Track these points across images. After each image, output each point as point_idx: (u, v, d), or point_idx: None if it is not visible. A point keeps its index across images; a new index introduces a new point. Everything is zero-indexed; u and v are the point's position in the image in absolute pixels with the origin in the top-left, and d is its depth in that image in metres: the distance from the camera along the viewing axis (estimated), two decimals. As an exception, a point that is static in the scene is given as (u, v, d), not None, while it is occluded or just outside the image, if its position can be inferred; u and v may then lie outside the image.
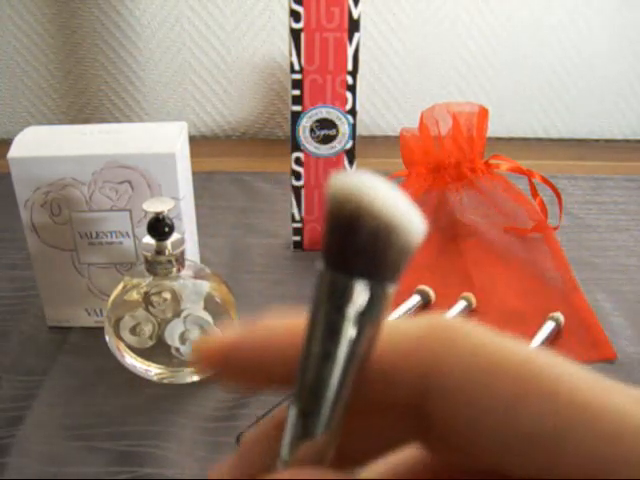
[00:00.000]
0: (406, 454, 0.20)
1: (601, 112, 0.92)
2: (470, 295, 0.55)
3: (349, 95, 0.57)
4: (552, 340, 0.52)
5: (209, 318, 0.47)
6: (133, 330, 0.47)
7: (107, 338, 0.48)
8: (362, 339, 0.16)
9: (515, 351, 0.17)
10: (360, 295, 0.15)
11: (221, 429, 0.45)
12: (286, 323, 0.18)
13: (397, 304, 0.55)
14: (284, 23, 0.85)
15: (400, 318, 0.19)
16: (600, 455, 0.15)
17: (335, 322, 0.15)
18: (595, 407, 0.16)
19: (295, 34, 0.55)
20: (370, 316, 0.15)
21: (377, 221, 0.14)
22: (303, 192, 0.62)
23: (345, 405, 0.17)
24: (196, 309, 0.47)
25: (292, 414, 0.17)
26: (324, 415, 0.16)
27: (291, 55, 0.56)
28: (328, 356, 0.16)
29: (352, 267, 0.15)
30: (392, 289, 0.16)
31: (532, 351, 0.17)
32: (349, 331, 0.15)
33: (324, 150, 0.60)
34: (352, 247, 0.15)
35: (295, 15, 0.54)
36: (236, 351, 0.18)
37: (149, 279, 0.46)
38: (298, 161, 0.60)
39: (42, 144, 0.49)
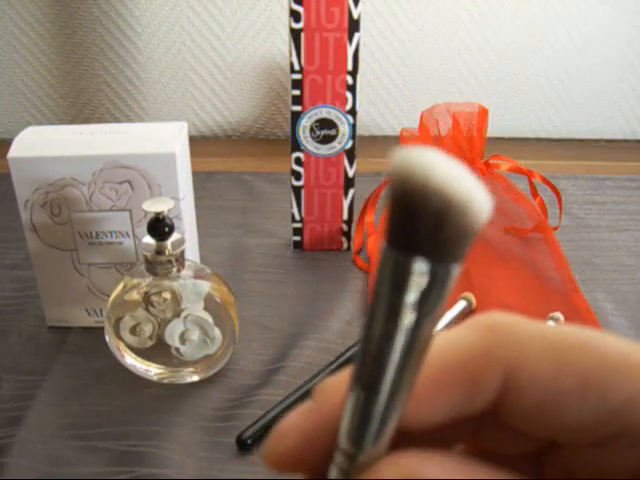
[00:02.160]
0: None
1: (601, 112, 0.92)
2: (470, 295, 0.55)
3: (349, 95, 0.57)
4: (552, 340, 0.52)
5: (209, 318, 0.47)
6: (133, 330, 0.47)
7: (107, 338, 0.48)
8: (424, 320, 0.15)
9: (566, 331, 0.18)
10: (422, 275, 0.15)
11: (221, 429, 0.45)
12: (339, 392, 0.17)
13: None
14: (284, 23, 0.85)
15: (447, 332, 0.19)
16: None
17: (396, 303, 0.15)
18: None
19: (295, 34, 0.55)
20: (432, 296, 0.15)
21: (441, 198, 0.14)
22: (303, 192, 0.62)
23: (409, 386, 0.16)
24: (196, 309, 0.47)
25: (352, 399, 0.16)
26: (386, 398, 0.16)
27: (291, 55, 0.56)
28: (389, 338, 0.15)
29: (414, 246, 0.14)
30: (456, 270, 0.15)
31: (572, 329, 0.18)
32: (410, 313, 0.15)
33: (324, 150, 0.60)
34: (415, 226, 0.14)
35: (295, 15, 0.54)
36: (311, 444, 0.17)
37: (149, 279, 0.46)
38: (298, 161, 0.60)
39: (42, 144, 0.49)
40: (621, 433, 0.17)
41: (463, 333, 0.18)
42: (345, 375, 0.17)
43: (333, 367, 0.49)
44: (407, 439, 0.17)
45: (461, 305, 0.54)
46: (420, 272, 0.15)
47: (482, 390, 0.17)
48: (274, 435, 0.18)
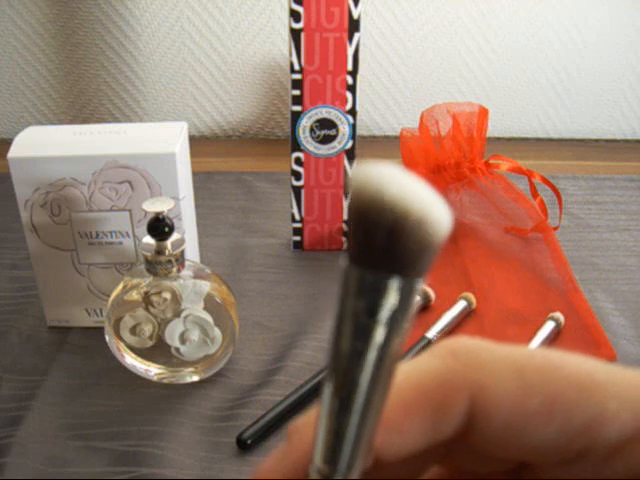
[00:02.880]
0: None
1: (601, 112, 0.92)
2: (470, 295, 0.55)
3: (349, 95, 0.57)
4: (552, 340, 0.52)
5: (209, 318, 0.47)
6: (133, 330, 0.47)
7: (107, 338, 0.48)
8: (390, 335, 0.15)
9: (532, 353, 0.18)
10: (389, 292, 0.15)
11: (221, 429, 0.45)
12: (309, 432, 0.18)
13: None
14: (284, 23, 0.85)
15: (413, 360, 0.19)
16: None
17: (360, 319, 0.15)
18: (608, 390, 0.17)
19: (295, 34, 0.55)
20: (396, 311, 0.15)
21: (395, 213, 0.14)
22: (303, 192, 0.62)
23: (381, 401, 0.16)
24: (196, 309, 0.47)
25: (323, 414, 0.17)
26: (358, 413, 0.16)
27: (291, 55, 0.56)
28: (359, 355, 0.15)
29: (381, 264, 0.15)
30: (419, 284, 0.15)
31: (539, 351, 0.18)
32: (375, 328, 0.15)
33: (324, 150, 0.60)
34: (380, 244, 0.14)
35: (295, 15, 0.54)
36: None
37: (149, 279, 0.46)
38: (298, 161, 0.60)
39: (42, 144, 0.49)
40: (587, 451, 0.17)
41: (428, 360, 0.18)
42: (315, 412, 0.18)
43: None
44: (381, 469, 0.18)
45: (461, 305, 0.54)
46: (380, 288, 0.15)
47: (450, 415, 0.17)
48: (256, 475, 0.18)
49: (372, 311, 0.15)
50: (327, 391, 0.16)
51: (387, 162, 0.15)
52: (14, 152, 0.48)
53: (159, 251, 0.45)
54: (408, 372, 0.18)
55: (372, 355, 0.15)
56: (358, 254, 0.15)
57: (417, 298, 0.15)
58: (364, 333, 0.15)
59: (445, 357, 0.18)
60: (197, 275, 0.48)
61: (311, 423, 0.18)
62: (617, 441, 0.17)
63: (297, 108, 0.58)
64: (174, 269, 0.46)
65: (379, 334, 0.15)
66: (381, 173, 0.14)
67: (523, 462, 0.19)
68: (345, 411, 0.16)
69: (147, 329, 0.47)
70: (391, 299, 0.15)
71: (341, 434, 0.16)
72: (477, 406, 0.17)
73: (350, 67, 0.56)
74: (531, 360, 0.18)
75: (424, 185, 0.14)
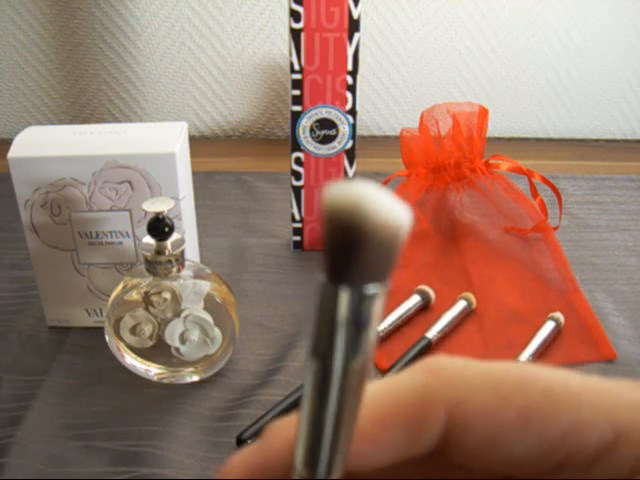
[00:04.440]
0: None
1: (601, 112, 0.92)
2: (470, 295, 0.55)
3: (349, 95, 0.57)
4: (552, 340, 0.52)
5: (209, 318, 0.47)
6: (133, 330, 0.47)
7: (107, 338, 0.48)
8: (358, 341, 0.16)
9: (508, 367, 0.18)
10: (351, 301, 0.15)
11: (221, 429, 0.45)
12: (287, 432, 0.18)
13: (397, 304, 0.55)
14: (284, 23, 0.85)
15: (392, 376, 0.19)
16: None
17: (331, 327, 0.16)
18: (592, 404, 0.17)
19: (295, 34, 0.55)
20: (361, 318, 0.16)
21: (367, 231, 0.14)
22: (303, 192, 0.62)
23: (355, 406, 0.17)
24: (196, 309, 0.47)
25: (302, 417, 0.17)
26: (333, 417, 0.17)
27: (291, 55, 0.56)
28: (329, 370, 0.16)
29: (343, 276, 0.15)
30: (384, 288, 0.16)
31: (515, 365, 0.19)
32: (346, 336, 0.16)
33: (324, 150, 0.60)
34: (343, 258, 0.15)
35: (295, 15, 0.54)
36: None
37: (149, 279, 0.46)
38: (298, 161, 0.60)
39: (42, 144, 0.49)
40: (567, 461, 0.17)
41: (407, 376, 0.18)
42: (294, 417, 0.18)
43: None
44: None
45: (461, 305, 0.54)
46: (345, 297, 0.15)
47: (426, 430, 0.18)
48: (223, 471, 0.19)
49: (335, 318, 0.15)
50: (304, 394, 0.17)
51: (353, 180, 0.15)
52: (14, 152, 0.48)
53: (159, 251, 0.45)
54: (386, 387, 0.18)
55: (339, 361, 0.16)
56: (328, 270, 0.15)
57: (379, 304, 0.16)
58: (331, 337, 0.16)
59: (423, 373, 0.18)
60: (197, 275, 0.48)
61: (288, 426, 0.18)
62: (596, 449, 0.17)
63: (297, 108, 0.58)
64: (174, 269, 0.46)
65: (345, 339, 0.16)
66: (346, 194, 0.15)
67: (505, 475, 0.19)
68: (319, 415, 0.17)
69: (147, 329, 0.47)
70: (352, 306, 0.15)
71: (318, 437, 0.17)
72: (454, 420, 0.17)
73: (350, 67, 0.56)
74: (506, 374, 0.18)
75: (384, 193, 0.15)
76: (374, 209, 0.14)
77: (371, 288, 0.15)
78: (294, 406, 0.46)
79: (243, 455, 0.19)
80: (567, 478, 0.18)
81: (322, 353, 0.16)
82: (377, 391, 0.18)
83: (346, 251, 0.15)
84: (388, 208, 0.15)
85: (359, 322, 0.15)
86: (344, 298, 0.15)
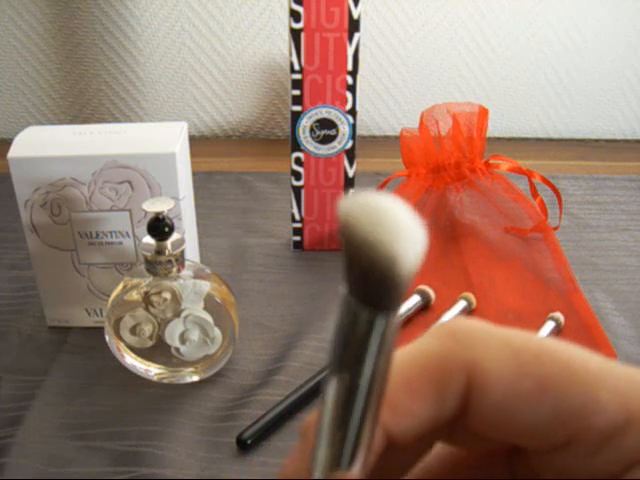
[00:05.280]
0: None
1: (601, 112, 0.92)
2: (470, 295, 0.55)
3: (349, 95, 0.57)
4: (552, 340, 0.52)
5: (209, 318, 0.47)
6: (133, 330, 0.47)
7: (107, 338, 0.48)
8: (382, 362, 0.16)
9: (529, 337, 0.19)
10: (379, 326, 0.16)
11: (221, 429, 0.45)
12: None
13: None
14: (284, 23, 0.85)
15: (413, 342, 0.20)
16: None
17: (359, 348, 0.16)
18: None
19: (295, 34, 0.55)
20: (384, 342, 0.16)
21: (390, 259, 0.14)
22: (303, 192, 0.62)
23: (375, 418, 0.17)
24: (196, 309, 0.47)
25: (324, 425, 0.17)
26: (355, 436, 0.17)
27: (291, 55, 0.56)
28: (355, 387, 0.16)
29: (373, 302, 0.15)
30: (395, 317, 0.16)
31: (535, 336, 0.19)
32: (375, 359, 0.16)
33: (324, 150, 0.60)
34: (372, 285, 0.15)
35: (295, 15, 0.54)
36: None
37: (149, 279, 0.46)
38: (298, 161, 0.60)
39: (42, 144, 0.49)
40: (576, 438, 0.17)
41: (427, 341, 0.19)
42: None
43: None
44: (392, 452, 0.18)
45: (461, 305, 0.54)
46: (372, 321, 0.15)
47: (450, 394, 0.18)
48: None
49: (362, 341, 0.16)
50: (325, 405, 0.17)
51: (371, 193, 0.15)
52: (14, 152, 0.48)
53: (159, 251, 0.45)
54: (408, 353, 0.18)
55: (366, 384, 0.16)
56: (355, 290, 0.16)
57: (395, 330, 0.16)
58: (360, 361, 0.16)
59: (443, 337, 0.18)
60: (197, 275, 0.48)
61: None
62: (606, 431, 0.17)
63: (297, 108, 0.58)
64: (174, 269, 0.46)
65: (371, 361, 0.16)
66: (365, 217, 0.15)
67: (515, 446, 0.19)
68: (342, 426, 0.17)
69: (147, 329, 0.47)
70: (379, 331, 0.16)
71: (339, 447, 0.17)
72: (473, 385, 0.18)
73: (350, 67, 0.56)
74: (527, 344, 0.18)
75: (406, 215, 0.15)
76: (406, 237, 0.14)
77: (392, 313, 0.16)
78: (294, 406, 0.46)
79: (293, 463, 0.19)
80: (575, 456, 0.18)
81: (349, 370, 0.16)
82: (403, 359, 0.18)
83: (383, 281, 0.15)
84: (414, 233, 0.15)
85: (386, 346, 0.16)
86: (379, 325, 0.15)
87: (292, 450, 0.19)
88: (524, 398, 0.17)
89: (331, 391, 0.17)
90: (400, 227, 0.14)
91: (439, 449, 0.21)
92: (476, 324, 0.19)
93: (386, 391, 0.17)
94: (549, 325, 0.52)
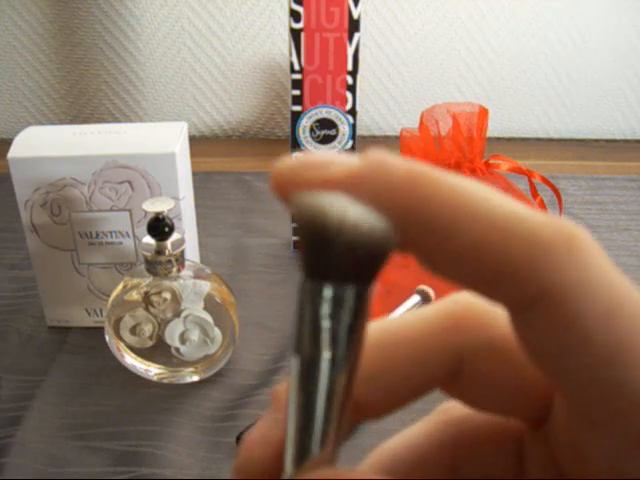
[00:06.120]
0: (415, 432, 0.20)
1: (601, 112, 0.92)
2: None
3: (349, 95, 0.57)
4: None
5: (209, 318, 0.47)
6: (133, 330, 0.47)
7: (107, 338, 0.48)
8: (345, 338, 0.16)
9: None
10: (331, 300, 0.15)
11: (221, 429, 0.45)
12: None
13: (397, 304, 0.55)
14: (284, 23, 0.85)
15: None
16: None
17: (316, 328, 0.16)
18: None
19: (295, 34, 0.55)
20: (344, 317, 0.16)
21: (345, 229, 0.15)
22: (303, 192, 0.62)
23: (344, 403, 0.17)
24: (196, 309, 0.47)
25: (290, 422, 0.17)
26: (323, 413, 0.16)
27: (291, 55, 0.56)
28: (316, 362, 0.16)
29: (319, 272, 0.15)
30: (369, 291, 0.16)
31: None
32: (328, 334, 0.16)
33: (324, 150, 0.60)
34: (325, 258, 0.15)
35: (295, 15, 0.54)
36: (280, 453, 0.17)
37: (149, 279, 0.46)
38: (298, 161, 0.60)
39: (42, 144, 0.49)
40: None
41: (430, 306, 0.19)
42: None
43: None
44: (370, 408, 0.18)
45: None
46: (329, 297, 0.15)
47: (442, 357, 0.18)
48: (245, 448, 0.18)
49: (319, 318, 0.16)
50: (290, 391, 0.17)
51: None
52: (14, 152, 0.48)
53: (159, 251, 0.45)
54: (403, 322, 0.19)
55: (325, 365, 0.16)
56: (305, 266, 0.16)
57: (366, 305, 0.16)
58: (318, 336, 0.16)
59: (446, 303, 0.19)
60: (197, 275, 0.48)
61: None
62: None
63: (297, 108, 0.58)
64: (174, 269, 0.46)
65: (327, 336, 0.16)
66: (317, 199, 0.15)
67: (532, 425, 0.18)
68: (307, 414, 0.16)
69: (147, 329, 0.47)
70: (336, 306, 0.15)
71: (306, 439, 0.16)
72: (474, 349, 0.18)
73: (350, 67, 0.56)
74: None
75: (349, 200, 0.15)
76: (348, 209, 0.15)
77: (353, 287, 0.15)
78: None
79: (261, 430, 0.18)
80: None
81: (306, 350, 0.16)
82: (383, 329, 0.18)
83: (322, 247, 0.15)
84: (363, 211, 0.15)
85: (341, 319, 0.16)
86: (327, 294, 0.15)
87: (261, 419, 0.18)
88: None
89: (293, 370, 0.16)
90: (348, 204, 0.15)
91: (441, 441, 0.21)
92: (477, 298, 0.19)
93: (360, 364, 0.17)
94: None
